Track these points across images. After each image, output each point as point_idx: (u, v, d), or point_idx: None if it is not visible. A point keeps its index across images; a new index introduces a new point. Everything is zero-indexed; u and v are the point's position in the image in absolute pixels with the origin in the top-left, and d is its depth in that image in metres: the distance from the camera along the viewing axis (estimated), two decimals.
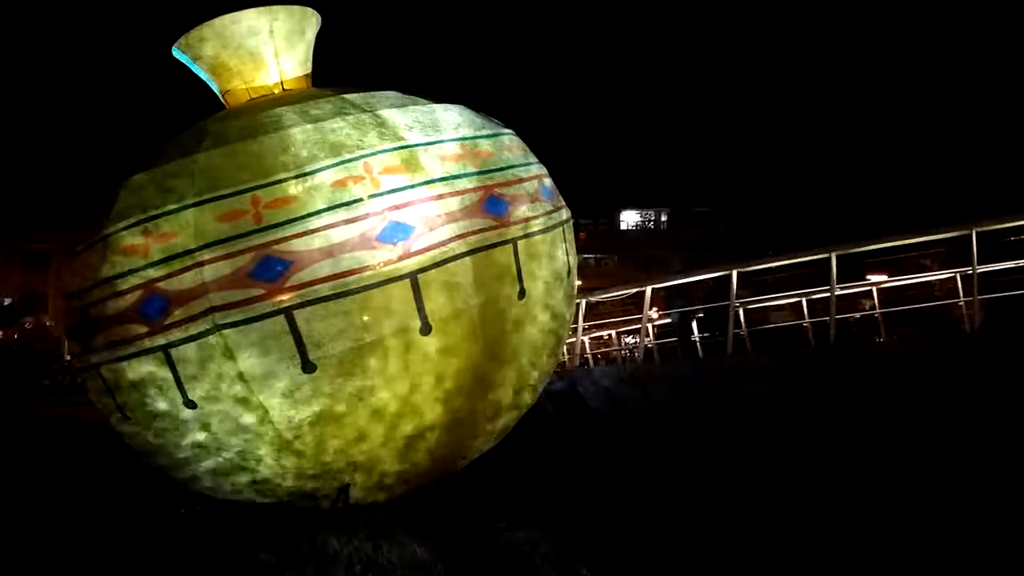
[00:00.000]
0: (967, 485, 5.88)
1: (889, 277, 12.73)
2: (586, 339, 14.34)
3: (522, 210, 5.68)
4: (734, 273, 9.22)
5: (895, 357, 7.79)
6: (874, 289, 11.97)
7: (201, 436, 5.29)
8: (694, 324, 12.09)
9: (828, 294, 8.44)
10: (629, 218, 53.64)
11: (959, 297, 9.56)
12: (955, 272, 9.78)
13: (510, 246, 5.52)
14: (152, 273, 5.04)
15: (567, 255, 6.19)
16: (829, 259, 8.17)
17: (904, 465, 6.54)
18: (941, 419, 6.88)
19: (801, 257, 9.00)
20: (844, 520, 5.53)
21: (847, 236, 9.95)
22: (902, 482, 6.24)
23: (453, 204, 5.31)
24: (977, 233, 7.22)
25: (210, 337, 4.95)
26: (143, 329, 5.07)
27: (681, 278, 11.42)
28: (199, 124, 5.87)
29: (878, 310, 11.42)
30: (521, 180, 5.83)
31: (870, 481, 6.33)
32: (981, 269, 7.49)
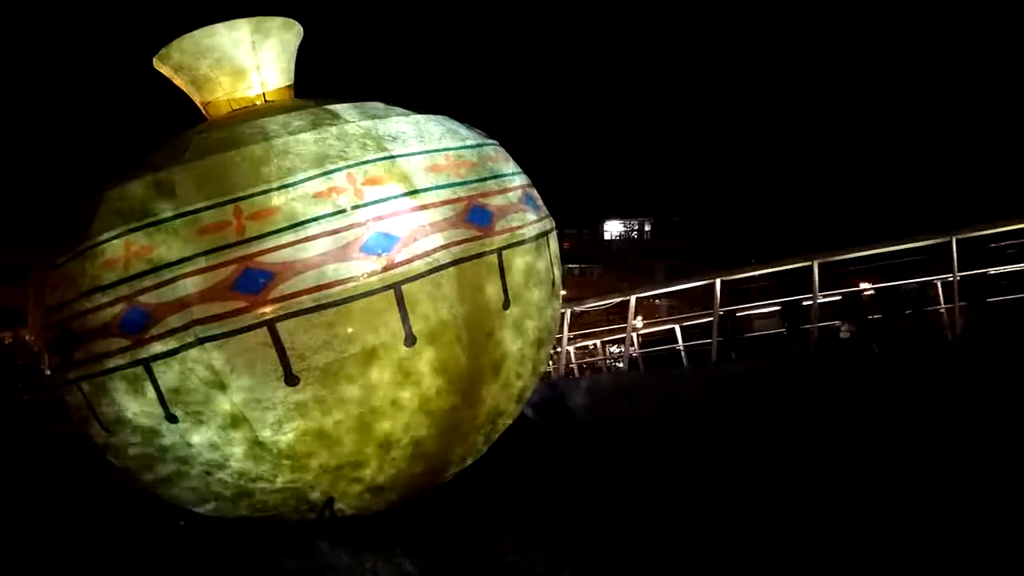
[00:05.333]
0: (951, 490, 5.91)
1: (870, 284, 12.80)
2: (571, 349, 14.33)
3: (506, 220, 5.68)
4: (718, 281, 9.27)
5: (878, 364, 7.83)
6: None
7: (183, 450, 5.23)
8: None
9: (811, 302, 8.48)
10: (613, 228, 53.86)
11: (940, 304, 9.64)
12: (936, 279, 9.84)
13: (494, 256, 5.51)
14: (133, 286, 4.99)
15: (551, 265, 6.19)
16: (811, 267, 8.22)
17: (889, 471, 6.57)
18: (924, 425, 6.92)
19: (784, 265, 9.05)
20: (830, 526, 5.54)
21: (829, 244, 10.02)
22: (887, 488, 6.26)
23: (437, 215, 5.30)
24: (957, 240, 7.29)
25: (192, 350, 4.90)
26: (124, 343, 5.01)
27: (665, 287, 11.44)
28: (180, 136, 5.84)
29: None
30: (505, 190, 5.83)
31: (855, 488, 6.35)
32: (961, 275, 7.56)
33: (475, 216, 5.48)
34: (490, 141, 6.21)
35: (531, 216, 5.97)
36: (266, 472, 5.30)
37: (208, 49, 6.20)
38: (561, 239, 6.72)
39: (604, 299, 13.22)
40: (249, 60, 6.28)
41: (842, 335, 10.45)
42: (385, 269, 5.04)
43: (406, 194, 5.25)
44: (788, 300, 10.49)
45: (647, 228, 53.68)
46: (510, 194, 5.86)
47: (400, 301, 5.06)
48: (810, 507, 6.05)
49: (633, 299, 10.75)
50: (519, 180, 6.13)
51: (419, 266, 5.13)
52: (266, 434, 5.11)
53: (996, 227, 7.45)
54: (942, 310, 9.48)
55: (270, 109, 5.92)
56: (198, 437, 5.17)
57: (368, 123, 5.55)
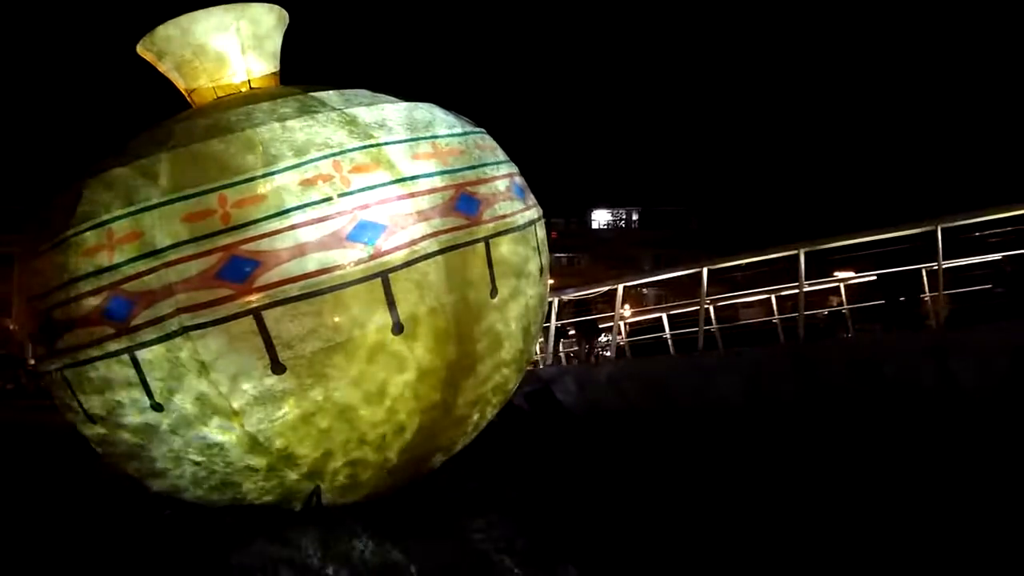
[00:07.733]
0: (935, 478, 5.97)
1: (856, 273, 12.88)
2: (559, 337, 14.35)
3: (494, 209, 5.66)
4: (704, 271, 9.29)
5: (863, 352, 7.88)
6: (841, 285, 12.12)
7: (168, 439, 5.21)
8: None
9: (797, 291, 8.52)
10: (601, 217, 53.93)
11: (925, 292, 9.71)
12: (921, 267, 9.91)
13: (482, 245, 5.50)
14: (117, 274, 4.95)
15: (539, 254, 6.18)
16: (797, 256, 8.25)
17: (875, 459, 6.62)
18: (909, 413, 6.98)
19: (770, 254, 9.08)
20: (817, 513, 5.59)
21: (815, 233, 10.05)
22: (872, 476, 6.32)
23: (424, 203, 5.28)
24: (942, 229, 7.33)
25: (177, 339, 4.87)
26: (108, 331, 4.98)
27: (653, 276, 11.46)
28: (164, 123, 5.78)
29: (845, 306, 11.58)
30: (492, 179, 5.81)
31: (842, 475, 6.40)
32: (946, 264, 7.61)
33: (463, 204, 5.46)
34: (478, 129, 6.18)
35: (519, 204, 5.95)
36: (252, 461, 5.29)
37: (193, 35, 6.13)
38: (549, 228, 6.71)
39: (592, 288, 13.24)
40: (234, 47, 6.21)
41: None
42: (372, 257, 5.01)
43: (393, 182, 5.22)
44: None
45: (635, 217, 53.77)
46: (498, 182, 5.84)
47: (387, 290, 5.05)
48: (797, 494, 6.09)
49: (620, 288, 10.77)
50: (507, 168, 6.11)
51: (406, 254, 5.11)
52: (252, 423, 5.10)
53: (981, 216, 7.50)
54: (927, 298, 9.53)
55: (255, 96, 5.87)
56: (183, 426, 5.14)
57: (355, 110, 5.51)
